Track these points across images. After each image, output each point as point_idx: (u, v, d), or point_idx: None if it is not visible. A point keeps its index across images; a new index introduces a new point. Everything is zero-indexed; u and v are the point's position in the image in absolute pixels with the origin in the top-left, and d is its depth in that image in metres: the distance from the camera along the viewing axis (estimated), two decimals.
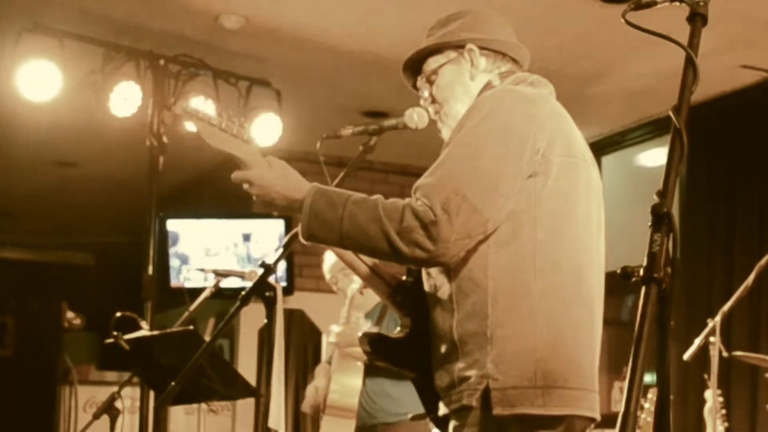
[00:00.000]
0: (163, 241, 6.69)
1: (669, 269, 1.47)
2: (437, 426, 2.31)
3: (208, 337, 3.90)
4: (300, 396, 6.93)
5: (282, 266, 6.03)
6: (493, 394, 2.08)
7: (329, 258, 4.58)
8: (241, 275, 4.07)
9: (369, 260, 2.38)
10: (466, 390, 2.13)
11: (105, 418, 3.84)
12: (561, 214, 2.17)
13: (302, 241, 2.21)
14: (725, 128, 5.93)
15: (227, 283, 4.14)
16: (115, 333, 3.67)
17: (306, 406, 4.57)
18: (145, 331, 4.03)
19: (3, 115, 6.14)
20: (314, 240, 2.18)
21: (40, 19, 4.93)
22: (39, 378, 6.90)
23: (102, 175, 8.10)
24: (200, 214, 7.21)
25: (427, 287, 2.28)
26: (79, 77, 5.02)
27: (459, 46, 2.41)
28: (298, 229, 2.20)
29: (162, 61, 5.19)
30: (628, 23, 1.64)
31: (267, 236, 6.79)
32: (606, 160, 6.82)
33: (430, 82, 2.44)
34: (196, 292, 4.11)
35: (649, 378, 1.92)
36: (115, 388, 3.89)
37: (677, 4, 1.64)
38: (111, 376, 7.42)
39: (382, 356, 2.39)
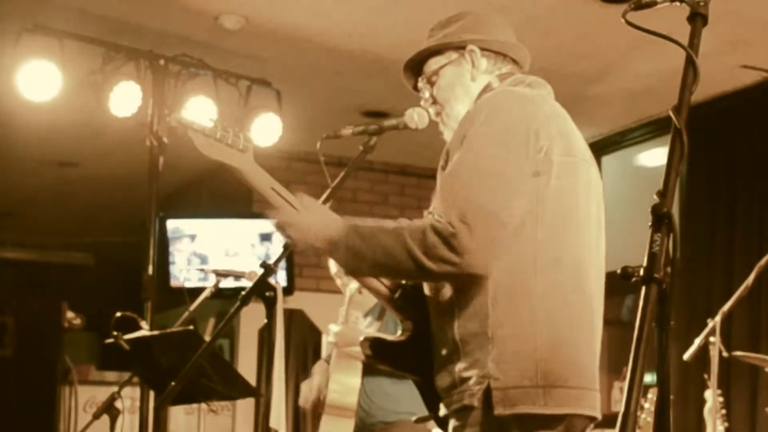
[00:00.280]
0: (163, 241, 6.69)
1: (669, 269, 1.47)
2: (441, 427, 2.31)
3: (208, 337, 3.89)
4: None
5: (282, 266, 6.03)
6: (495, 394, 2.08)
7: None
8: (241, 275, 4.07)
9: None
10: (467, 390, 2.13)
11: (105, 418, 3.84)
12: (562, 214, 2.18)
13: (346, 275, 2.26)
14: (725, 128, 5.93)
15: (227, 283, 4.14)
16: (115, 333, 3.67)
17: (301, 401, 4.60)
18: (145, 331, 4.03)
19: (3, 115, 6.13)
20: (356, 275, 2.26)
21: (40, 19, 4.92)
22: (39, 378, 6.90)
23: (102, 175, 8.10)
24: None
25: (427, 289, 2.28)
26: (79, 77, 5.01)
27: (460, 47, 2.41)
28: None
29: (162, 61, 5.18)
30: (628, 23, 1.65)
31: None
32: (606, 160, 6.82)
33: (431, 83, 2.45)
34: (196, 292, 4.11)
35: (649, 378, 1.91)
36: (115, 388, 3.89)
37: (677, 4, 1.64)
38: (111, 376, 7.42)
39: (384, 360, 2.40)
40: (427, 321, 2.29)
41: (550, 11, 4.95)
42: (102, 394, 5.71)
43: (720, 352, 4.00)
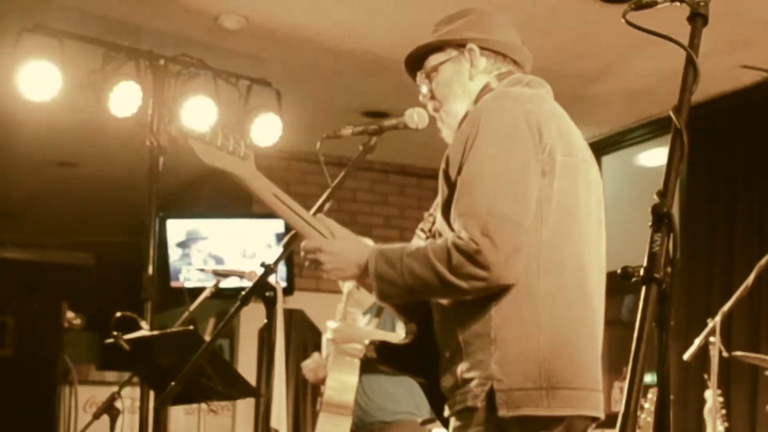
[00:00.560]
0: (163, 241, 6.68)
1: (669, 269, 1.47)
2: (446, 427, 2.31)
3: (208, 337, 3.89)
4: (300, 395, 6.94)
5: (282, 266, 6.03)
6: (498, 396, 2.08)
7: None
8: (241, 275, 4.07)
9: None
10: (469, 391, 2.13)
11: (105, 418, 3.83)
12: (565, 214, 2.18)
13: (379, 303, 2.28)
14: (725, 128, 5.93)
15: (227, 283, 4.14)
16: (115, 333, 3.67)
17: (307, 369, 4.62)
18: (145, 331, 4.03)
19: (3, 115, 6.13)
20: (388, 300, 2.24)
21: (40, 19, 4.92)
22: (39, 378, 6.90)
23: (102, 175, 8.10)
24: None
25: None
26: (79, 77, 5.01)
27: (460, 45, 2.41)
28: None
29: (162, 61, 5.18)
30: (629, 23, 1.64)
31: None
32: (606, 160, 6.82)
33: (430, 79, 2.44)
34: (196, 292, 4.11)
35: (649, 378, 1.92)
36: (115, 388, 3.89)
37: (677, 4, 1.64)
38: (111, 376, 7.42)
39: (390, 363, 2.41)
40: (430, 323, 2.29)
41: (550, 11, 4.95)
42: (102, 394, 5.71)
43: (720, 352, 4.00)
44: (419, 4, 4.82)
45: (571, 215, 2.19)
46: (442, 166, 2.23)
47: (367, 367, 4.47)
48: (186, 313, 3.95)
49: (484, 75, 2.40)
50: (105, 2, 5.00)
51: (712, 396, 4.13)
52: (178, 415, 6.78)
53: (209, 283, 4.18)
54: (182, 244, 6.87)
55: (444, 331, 2.23)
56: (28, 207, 9.25)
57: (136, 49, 5.14)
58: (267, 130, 5.52)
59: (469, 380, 2.13)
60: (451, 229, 2.14)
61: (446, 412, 2.24)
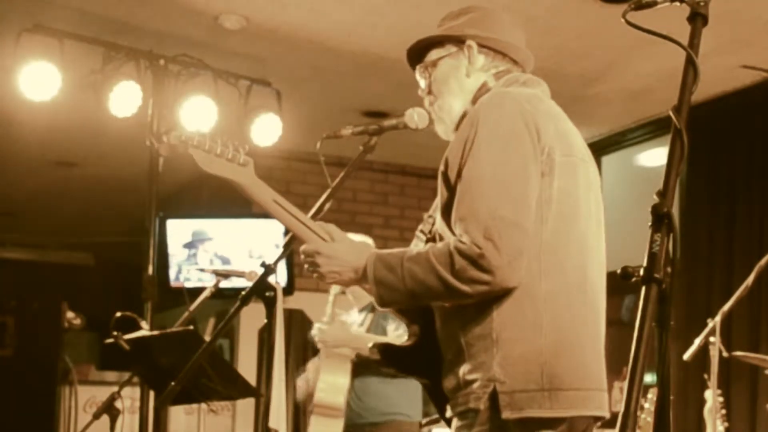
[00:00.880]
0: (163, 240, 6.68)
1: (669, 269, 1.47)
2: (449, 427, 2.31)
3: (208, 337, 3.89)
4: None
5: (282, 266, 6.02)
6: (501, 398, 2.08)
7: None
8: (241, 275, 4.07)
9: None
10: (471, 393, 2.13)
11: (105, 418, 3.83)
12: (565, 215, 2.17)
13: (379, 309, 2.26)
14: (725, 128, 5.93)
15: (227, 283, 4.14)
16: (115, 333, 3.67)
17: (299, 395, 4.64)
18: (145, 331, 4.03)
19: (3, 115, 6.14)
20: (389, 305, 2.23)
21: (40, 20, 4.92)
22: (39, 378, 6.89)
23: (102, 175, 8.10)
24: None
25: None
26: (79, 77, 5.01)
27: (460, 41, 2.40)
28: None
29: (162, 61, 5.18)
30: (629, 23, 1.64)
31: None
32: (606, 160, 6.82)
33: (428, 73, 2.44)
34: (196, 292, 4.11)
35: (649, 378, 1.91)
36: (115, 388, 3.89)
37: (677, 4, 1.64)
38: (111, 376, 7.42)
39: (393, 365, 2.41)
40: (432, 324, 2.29)
41: (550, 11, 4.95)
42: (102, 394, 5.71)
43: (720, 352, 4.00)
44: (419, 4, 4.82)
45: (571, 216, 2.19)
46: (441, 168, 2.22)
47: (359, 369, 4.48)
48: (186, 313, 3.95)
49: (481, 73, 2.39)
50: (105, 2, 5.00)
51: (712, 396, 4.13)
52: (178, 415, 6.78)
53: (209, 283, 4.17)
54: (189, 245, 6.85)
55: (446, 333, 2.23)
56: (28, 207, 9.25)
57: (136, 49, 5.15)
58: (267, 130, 5.53)
59: (472, 381, 2.13)
60: (451, 231, 2.13)
61: (448, 413, 2.25)
